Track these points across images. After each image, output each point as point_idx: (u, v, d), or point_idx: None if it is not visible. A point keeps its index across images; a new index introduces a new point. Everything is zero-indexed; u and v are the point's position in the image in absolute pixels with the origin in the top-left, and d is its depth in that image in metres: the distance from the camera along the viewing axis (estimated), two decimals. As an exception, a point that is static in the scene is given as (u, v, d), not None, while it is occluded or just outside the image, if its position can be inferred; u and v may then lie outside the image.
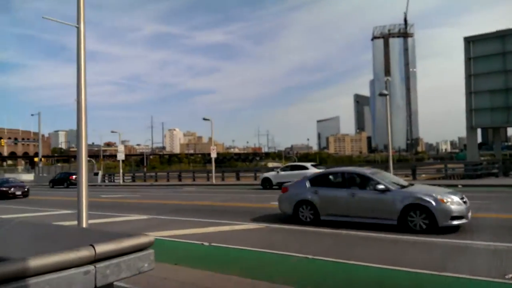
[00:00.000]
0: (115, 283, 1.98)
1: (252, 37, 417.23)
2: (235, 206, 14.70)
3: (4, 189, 22.63)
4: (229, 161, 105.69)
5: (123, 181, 38.47)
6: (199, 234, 8.88)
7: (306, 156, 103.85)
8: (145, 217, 12.26)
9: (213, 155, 32.50)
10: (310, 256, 6.42)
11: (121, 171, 38.38)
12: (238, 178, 33.43)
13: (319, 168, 21.51)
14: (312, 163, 23.75)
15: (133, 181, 41.06)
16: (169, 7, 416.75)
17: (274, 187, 21.95)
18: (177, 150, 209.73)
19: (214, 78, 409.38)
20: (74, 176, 33.05)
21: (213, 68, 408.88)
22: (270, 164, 67.95)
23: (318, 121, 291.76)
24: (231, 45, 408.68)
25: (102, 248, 1.84)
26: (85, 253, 1.76)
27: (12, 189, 22.83)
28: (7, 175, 45.16)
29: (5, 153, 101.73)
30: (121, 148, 39.65)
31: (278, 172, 22.82)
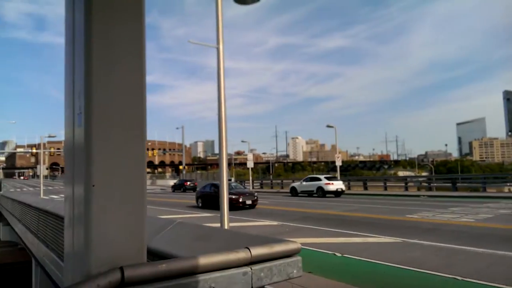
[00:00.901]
0: (266, 286, 2.05)
1: (374, 37, 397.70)
2: (366, 217, 14.03)
3: (233, 197, 18.06)
4: (354, 170, 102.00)
5: (253, 187, 40.79)
6: (329, 244, 8.74)
7: (445, 164, 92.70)
8: (275, 223, 12.68)
9: (338, 163, 31.85)
10: (459, 278, 5.65)
11: (250, 178, 40.77)
12: (365, 187, 31.97)
13: (332, 180, 25.93)
14: (326, 175, 28.27)
15: (261, 187, 43.12)
16: (290, 19, 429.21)
17: (299, 194, 27.38)
18: (300, 158, 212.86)
19: (334, 84, 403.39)
20: (188, 183, 41.63)
21: (333, 74, 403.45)
22: (401, 173, 63.07)
23: (458, 124, 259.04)
24: (352, 48, 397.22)
25: (257, 251, 1.93)
26: (243, 255, 1.86)
27: (241, 197, 18.57)
28: (158, 182, 52.26)
29: (156, 162, 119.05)
30: (250, 156, 42.19)
31: (301, 182, 28.09)
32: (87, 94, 1.53)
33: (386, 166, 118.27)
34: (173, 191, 41.69)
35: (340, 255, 7.43)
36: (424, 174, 66.24)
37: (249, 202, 18.64)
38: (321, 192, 25.26)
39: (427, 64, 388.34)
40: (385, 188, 30.44)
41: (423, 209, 15.74)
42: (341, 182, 26.38)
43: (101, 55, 1.55)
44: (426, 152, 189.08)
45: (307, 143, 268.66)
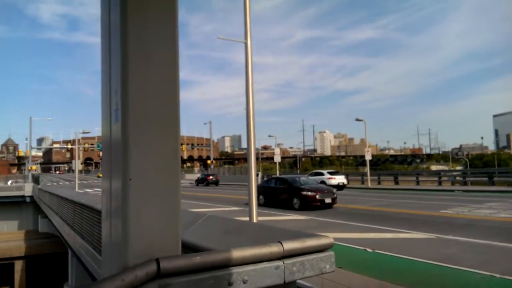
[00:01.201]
0: (298, 281, 2.05)
1: (405, 28, 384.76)
2: (396, 212, 13.71)
3: (309, 193, 15.36)
4: (384, 164, 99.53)
5: (280, 182, 40.79)
6: (359, 239, 8.61)
7: (480, 158, 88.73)
8: (303, 217, 12.63)
9: (368, 157, 31.23)
10: (497, 275, 5.43)
11: (277, 172, 40.79)
12: (396, 182, 31.21)
13: (333, 175, 27.91)
14: (329, 171, 30.46)
15: (289, 182, 42.98)
16: (317, 11, 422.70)
17: None
18: (327, 152, 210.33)
19: (363, 76, 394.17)
20: (210, 177, 42.58)
21: (362, 66, 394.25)
22: (434, 167, 61.09)
23: (495, 116, 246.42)
24: (381, 40, 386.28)
25: (289, 245, 1.93)
26: (275, 249, 1.87)
27: (319, 194, 15.32)
28: (187, 176, 53.15)
29: (185, 157, 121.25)
30: (277, 151, 42.16)
31: (308, 176, 27.68)
32: (124, 91, 1.57)
33: (418, 160, 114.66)
34: (197, 185, 42.45)
35: (371, 250, 7.31)
36: (458, 168, 63.87)
37: (328, 200, 15.29)
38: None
39: (460, 54, 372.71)
40: (417, 183, 29.60)
41: (457, 204, 15.19)
42: (342, 177, 28.48)
43: (136, 53, 1.58)
44: (461, 146, 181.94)
45: (335, 137, 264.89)
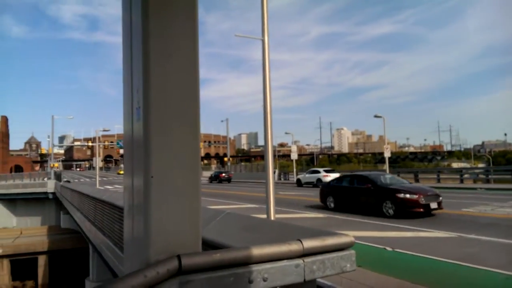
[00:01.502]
0: (318, 279, 2.04)
1: (425, 22, 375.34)
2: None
3: (407, 196, 11.91)
4: (404, 161, 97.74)
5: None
6: (379, 238, 8.50)
7: (504, 155, 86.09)
8: (321, 215, 12.56)
9: (387, 154, 30.76)
10: (523, 277, 5.27)
11: (294, 169, 40.64)
12: (416, 180, 30.65)
13: (329, 173, 29.81)
14: (325, 169, 32.92)
15: (306, 180, 42.75)
16: (334, 7, 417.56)
17: (304, 185, 31.18)
18: (345, 149, 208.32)
19: (382, 72, 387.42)
20: (223, 174, 44.17)
21: (380, 62, 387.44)
22: (455, 165, 59.65)
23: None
24: (400, 34, 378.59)
25: (309, 243, 1.91)
26: (295, 247, 1.86)
27: (422, 197, 11.74)
28: (204, 173, 53.52)
29: (202, 154, 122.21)
30: (294, 148, 42.00)
31: (305, 175, 32.35)
32: (145, 90, 1.59)
33: (439, 157, 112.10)
34: (210, 182, 43.13)
35: (390, 249, 7.21)
36: (480, 165, 62.17)
37: (434, 205, 11.86)
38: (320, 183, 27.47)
39: (482, 48, 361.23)
40: (438, 181, 28.97)
41: (480, 202, 14.81)
42: (337, 175, 26.80)
43: (157, 52, 1.60)
44: (483, 142, 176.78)
45: (352, 134, 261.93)
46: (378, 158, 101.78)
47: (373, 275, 5.31)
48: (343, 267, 2.02)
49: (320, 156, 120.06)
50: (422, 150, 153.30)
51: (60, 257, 34.84)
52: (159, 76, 1.60)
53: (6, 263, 33.51)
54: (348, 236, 2.11)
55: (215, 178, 43.92)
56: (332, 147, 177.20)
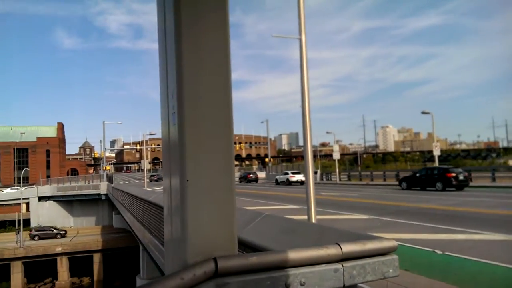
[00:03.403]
0: (359, 285, 1.96)
1: (475, 11, 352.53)
2: (470, 211, 12.69)
3: None
4: (455, 159, 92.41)
5: (340, 179, 39.80)
6: (427, 240, 8.10)
7: None
8: (365, 217, 12.20)
9: (436, 152, 29.32)
10: None
11: (337, 170, 39.86)
12: (470, 179, 28.90)
13: (295, 174, 37.82)
14: (292, 171, 40.49)
15: (349, 179, 41.84)
16: (375, 1, 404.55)
17: (280, 184, 38.74)
18: (391, 148, 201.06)
19: (429, 66, 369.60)
20: (250, 175, 48.50)
21: (427, 55, 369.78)
22: (512, 162, 55.60)
23: None
24: (448, 26, 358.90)
25: (348, 248, 1.85)
26: (333, 251, 1.81)
27: None
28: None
29: (243, 155, 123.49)
30: (336, 147, 41.26)
31: (280, 176, 40.35)
32: (179, 95, 1.62)
33: (494, 155, 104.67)
34: (240, 182, 45.24)
35: (441, 252, 6.84)
36: (543, 163, 57.33)
37: None
38: (288, 182, 37.62)
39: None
40: (493, 179, 27.16)
41: (542, 203, 13.66)
42: (301, 176, 35.58)
43: (191, 57, 1.64)
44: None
45: (399, 132, 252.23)
46: (427, 156, 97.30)
47: (421, 280, 5.06)
48: (384, 273, 1.93)
49: (364, 156, 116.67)
50: (475, 147, 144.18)
51: (113, 255, 36.73)
52: (192, 81, 1.64)
53: (65, 260, 35.92)
54: (391, 240, 2.01)
55: (244, 179, 48.19)
56: (376, 146, 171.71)
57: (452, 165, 30.90)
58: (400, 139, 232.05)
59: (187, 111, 1.63)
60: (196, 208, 1.65)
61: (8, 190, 58.34)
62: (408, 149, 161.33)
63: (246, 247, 2.91)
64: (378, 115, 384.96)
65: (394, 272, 1.96)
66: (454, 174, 22.44)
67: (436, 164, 29.01)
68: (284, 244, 2.54)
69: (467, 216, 11.56)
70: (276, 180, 40.78)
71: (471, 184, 24.97)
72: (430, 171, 24.38)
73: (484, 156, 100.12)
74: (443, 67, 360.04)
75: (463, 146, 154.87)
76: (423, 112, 29.50)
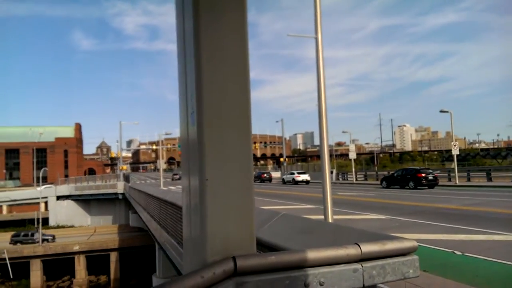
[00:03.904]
0: (378, 285, 1.94)
1: (493, 8, 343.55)
2: (490, 211, 12.40)
3: None
4: (474, 158, 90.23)
5: (356, 179, 39.41)
6: (446, 241, 7.94)
7: None
8: (383, 217, 12.05)
9: (455, 151, 28.70)
10: None
11: (353, 169, 39.50)
12: (489, 179, 28.22)
13: (300, 174, 39.42)
14: (298, 171, 42.38)
15: (365, 179, 41.38)
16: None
17: (286, 183, 39.81)
18: (408, 147, 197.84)
19: (447, 64, 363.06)
20: (264, 174, 48.95)
21: (445, 53, 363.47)
22: (535, 161, 54.00)
23: None
24: (466, 23, 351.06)
25: (367, 248, 1.84)
26: (352, 251, 1.80)
27: None
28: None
29: (258, 155, 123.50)
30: (352, 147, 40.87)
31: (286, 175, 41.30)
32: (198, 95, 1.64)
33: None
34: (254, 182, 44.48)
35: (460, 253, 6.70)
36: None
37: None
38: (294, 181, 38.80)
39: None
40: (516, 179, 26.48)
41: None
42: (307, 176, 39.02)
43: (209, 58, 1.65)
44: None
45: (416, 131, 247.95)
46: (445, 156, 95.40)
47: (439, 280, 4.97)
48: (405, 273, 1.91)
49: (381, 155, 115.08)
50: (495, 146, 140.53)
51: (129, 254, 37.25)
52: (211, 81, 1.65)
53: (82, 259, 36.60)
54: (411, 240, 1.99)
55: (258, 178, 48.40)
56: (393, 145, 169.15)
57: (472, 165, 30.66)
58: (417, 138, 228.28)
59: (206, 111, 1.64)
60: (215, 207, 1.66)
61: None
62: (425, 148, 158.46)
63: (262, 246, 2.91)
64: (395, 114, 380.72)
65: (415, 273, 1.93)
66: (424, 175, 25.20)
67: (455, 164, 28.43)
68: (302, 243, 2.53)
69: (485, 216, 11.28)
70: (283, 179, 42.35)
71: (492, 183, 24.36)
72: (405, 172, 27.09)
73: (504, 156, 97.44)
74: (461, 65, 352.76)
75: (482, 145, 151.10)
76: (442, 111, 28.92)
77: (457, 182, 27.45)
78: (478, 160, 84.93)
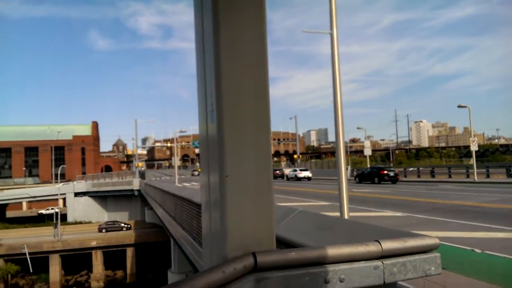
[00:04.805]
0: (399, 282, 1.93)
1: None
2: (510, 208, 12.11)
3: None
4: (493, 154, 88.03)
5: (371, 176, 39.01)
6: (465, 238, 7.80)
7: None
8: (399, 214, 11.91)
9: (473, 147, 28.10)
10: None
11: (368, 166, 39.06)
12: (509, 175, 27.56)
13: (302, 171, 41.45)
14: (300, 168, 44.77)
15: (381, 176, 40.92)
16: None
17: (289, 179, 41.31)
18: (425, 143, 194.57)
19: (465, 58, 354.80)
20: (277, 171, 48.32)
21: (462, 47, 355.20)
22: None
23: None
24: (484, 16, 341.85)
25: (388, 245, 1.82)
26: (372, 248, 1.78)
27: None
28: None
29: (272, 152, 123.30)
30: (367, 143, 40.46)
31: (289, 172, 43.12)
32: (218, 93, 1.65)
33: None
34: (275, 178, 45.18)
35: (480, 251, 6.58)
36: None
37: None
38: (296, 178, 40.49)
39: None
40: (536, 176, 25.79)
41: None
42: (308, 172, 40.94)
43: (228, 56, 1.65)
44: None
45: (433, 126, 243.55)
46: (463, 152, 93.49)
47: (459, 278, 4.89)
48: (426, 271, 1.89)
49: (397, 152, 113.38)
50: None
51: (145, 249, 37.81)
52: (230, 79, 1.65)
53: (99, 254, 37.34)
54: (433, 237, 1.96)
55: (279, 176, 48.28)
56: (409, 141, 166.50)
57: (491, 161, 30.66)
58: (434, 134, 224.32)
59: (226, 108, 1.65)
60: (235, 203, 1.67)
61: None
62: (443, 144, 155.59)
63: (280, 243, 2.91)
64: (411, 110, 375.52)
65: (436, 270, 1.91)
66: (386, 172, 30.36)
67: (474, 160, 27.85)
68: (320, 240, 2.52)
69: (505, 214, 11.03)
70: (286, 176, 43.79)
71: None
72: (372, 170, 32.75)
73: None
74: (479, 59, 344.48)
75: (502, 141, 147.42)
76: (460, 106, 28.32)
77: (475, 178, 26.89)
78: (498, 156, 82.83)
